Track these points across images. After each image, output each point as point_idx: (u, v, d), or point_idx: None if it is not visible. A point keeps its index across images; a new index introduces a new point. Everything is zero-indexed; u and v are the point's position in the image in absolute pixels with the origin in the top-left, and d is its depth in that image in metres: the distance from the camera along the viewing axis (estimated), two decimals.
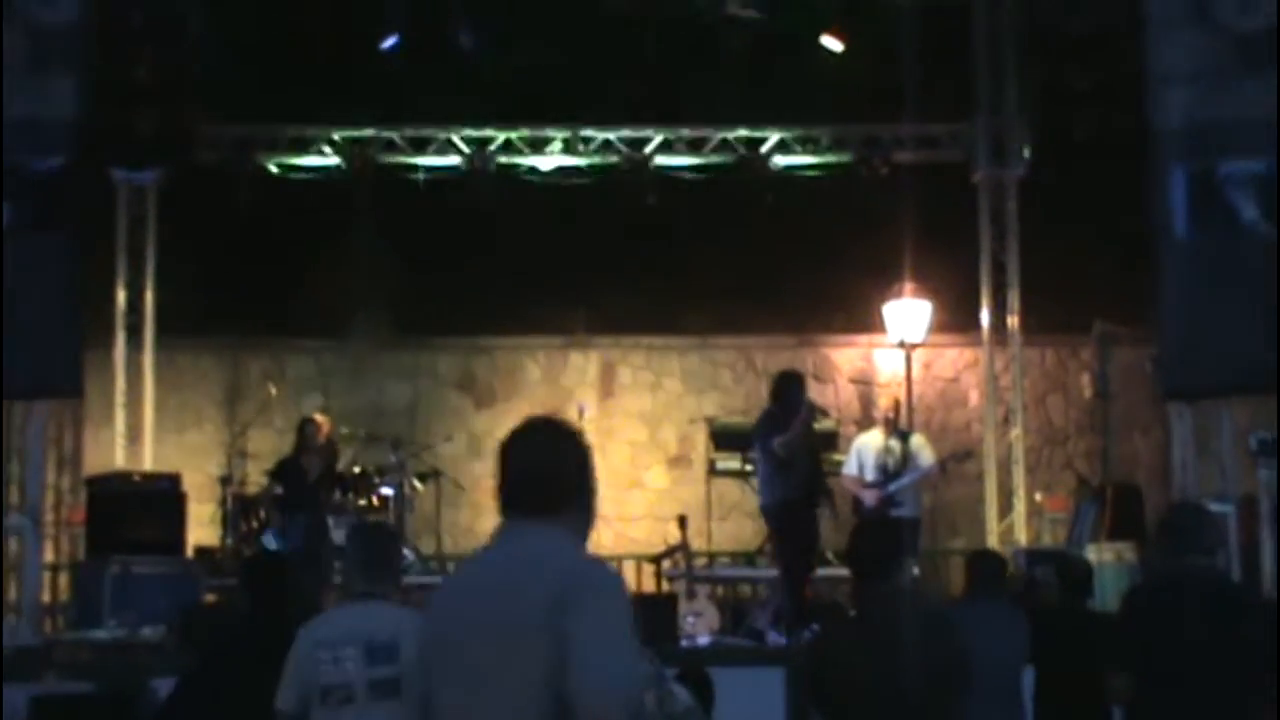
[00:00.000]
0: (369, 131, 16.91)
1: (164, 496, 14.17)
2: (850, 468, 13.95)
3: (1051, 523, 16.48)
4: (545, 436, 4.29)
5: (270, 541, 13.87)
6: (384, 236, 17.19)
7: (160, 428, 16.84)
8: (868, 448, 13.87)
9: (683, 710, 5.80)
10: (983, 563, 8.76)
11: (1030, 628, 8.42)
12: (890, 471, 13.68)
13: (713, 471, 15.35)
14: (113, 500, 13.95)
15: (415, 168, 16.97)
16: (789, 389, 12.89)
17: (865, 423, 16.35)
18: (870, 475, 13.69)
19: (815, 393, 16.69)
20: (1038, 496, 16.83)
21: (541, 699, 3.88)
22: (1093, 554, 13.71)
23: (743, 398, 17.41)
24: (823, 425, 15.18)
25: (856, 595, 6.59)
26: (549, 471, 4.20)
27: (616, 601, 4.03)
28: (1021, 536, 16.53)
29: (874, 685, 5.98)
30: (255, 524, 14.47)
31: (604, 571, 4.14)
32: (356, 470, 14.96)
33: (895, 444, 13.80)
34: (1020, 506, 16.79)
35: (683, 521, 14.48)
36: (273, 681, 6.55)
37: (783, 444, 12.44)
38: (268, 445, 16.08)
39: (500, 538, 4.22)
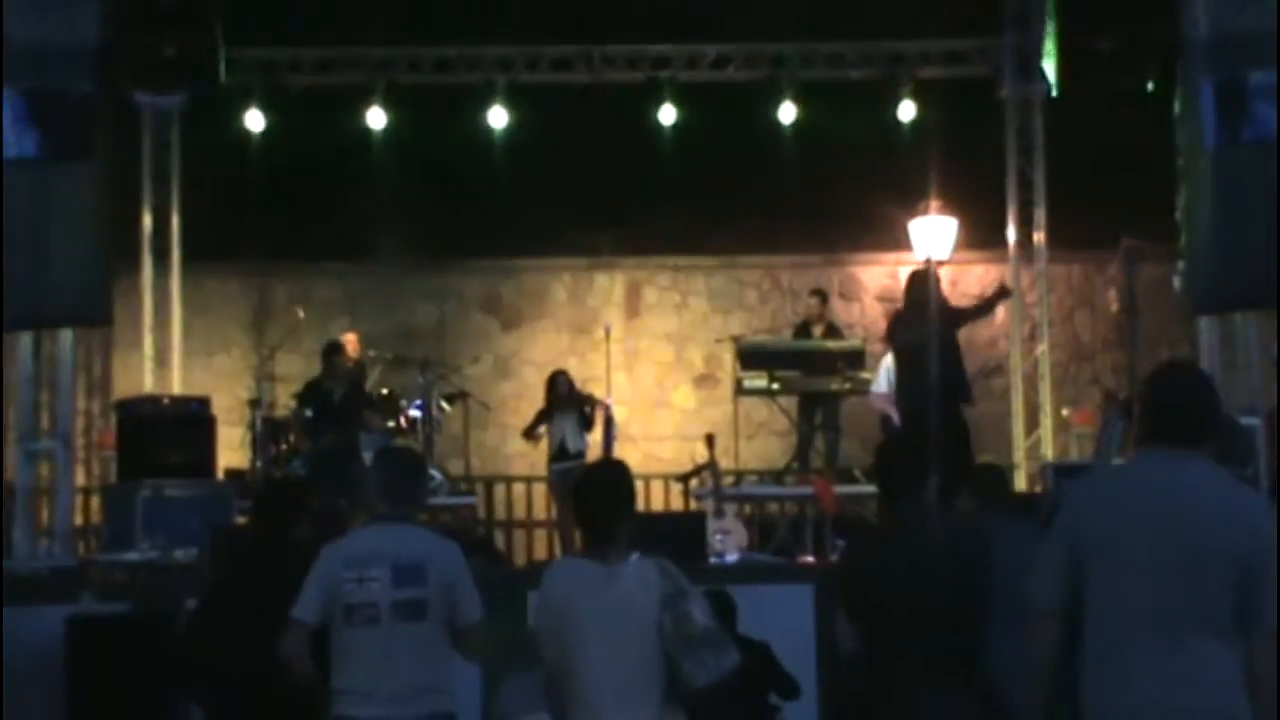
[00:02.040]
0: (391, 51, 16.84)
1: (193, 419, 14.20)
2: (880, 385, 13.94)
3: (1079, 438, 16.47)
4: (1194, 377, 5.26)
5: (299, 467, 13.94)
6: (408, 158, 17.18)
7: (188, 352, 16.93)
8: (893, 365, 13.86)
9: (700, 631, 5.82)
10: (985, 476, 8.74)
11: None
12: None
13: (740, 390, 15.35)
14: (142, 424, 13.98)
15: (434, 87, 16.91)
16: (916, 288, 12.74)
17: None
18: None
19: (841, 311, 16.72)
20: (1064, 412, 16.82)
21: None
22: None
23: (769, 316, 17.41)
24: (849, 343, 15.20)
25: (883, 511, 6.62)
26: (1200, 407, 5.06)
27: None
28: (1049, 451, 16.54)
29: (902, 597, 6.03)
30: (284, 447, 14.53)
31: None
32: (384, 392, 15.02)
33: None
34: (1047, 422, 16.80)
35: (710, 440, 14.50)
36: (274, 605, 6.55)
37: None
38: (296, 368, 16.14)
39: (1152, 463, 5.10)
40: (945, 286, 17.06)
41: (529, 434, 15.06)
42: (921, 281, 12.74)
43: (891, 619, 6.08)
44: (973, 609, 6.13)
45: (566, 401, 14.75)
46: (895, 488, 6.41)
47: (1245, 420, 11.50)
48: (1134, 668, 4.93)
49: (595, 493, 6.08)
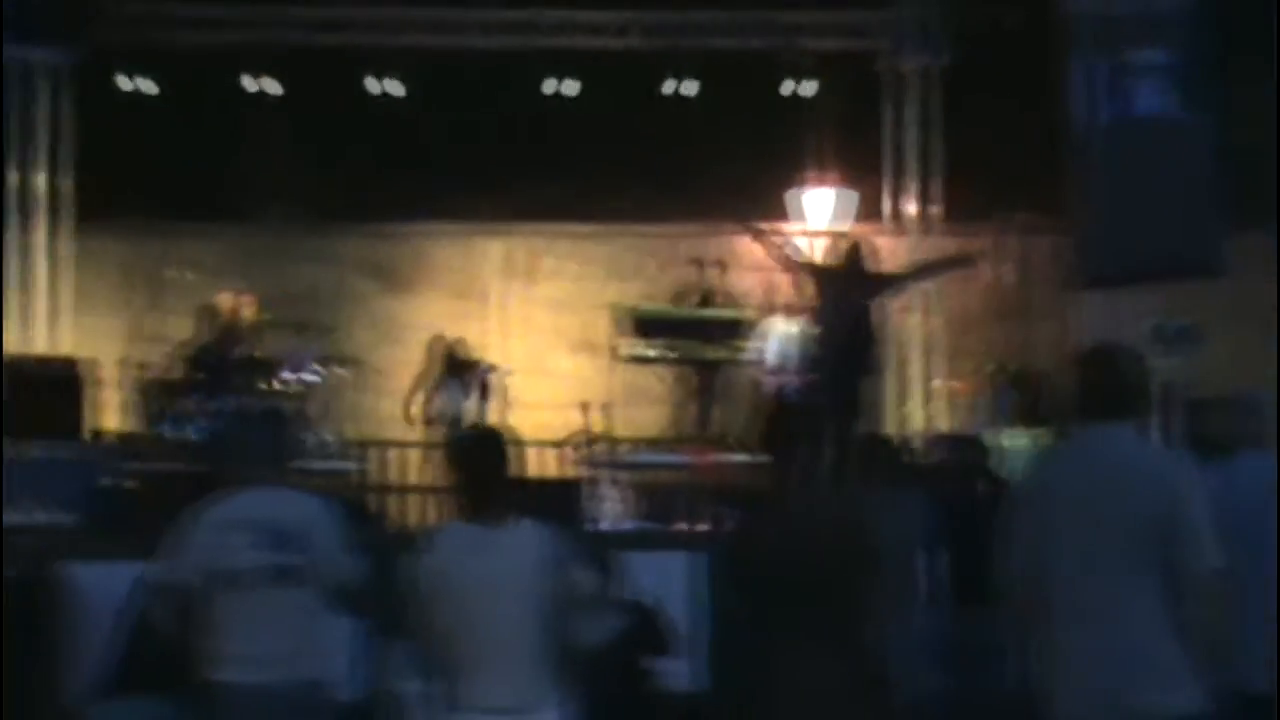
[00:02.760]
0: (279, 11, 16.67)
1: (59, 380, 13.99)
2: (754, 354, 14.05)
3: (964, 408, 16.60)
4: (1116, 355, 5.64)
5: (180, 428, 13.79)
6: (297, 121, 17.02)
7: (75, 312, 16.71)
8: (771, 334, 13.99)
9: (588, 594, 5.84)
10: (873, 448, 8.82)
11: (940, 511, 8.52)
12: (789, 358, 13.81)
13: (624, 358, 15.37)
14: (9, 387, 13.78)
15: (323, 49, 16.75)
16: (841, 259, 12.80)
17: (768, 310, 16.42)
18: (772, 361, 13.81)
19: (727, 280, 16.75)
20: (950, 382, 16.93)
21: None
22: (1006, 439, 13.85)
23: (656, 285, 17.40)
24: (732, 312, 15.23)
25: (771, 479, 6.65)
26: (1120, 383, 5.47)
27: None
28: (936, 422, 16.67)
29: (787, 567, 6.07)
30: (169, 410, 14.37)
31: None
32: (267, 356, 14.89)
33: (796, 331, 13.91)
34: (931, 392, 16.91)
35: (590, 408, 14.50)
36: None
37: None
38: (181, 330, 15.95)
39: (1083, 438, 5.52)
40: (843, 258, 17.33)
41: (411, 400, 15.05)
42: (849, 254, 12.85)
43: (775, 587, 6.11)
44: (858, 578, 6.19)
45: (458, 367, 14.74)
46: (783, 457, 6.44)
47: None
48: (1078, 644, 5.27)
49: (473, 456, 6.08)
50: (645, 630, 8.84)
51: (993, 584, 8.26)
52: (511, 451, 6.08)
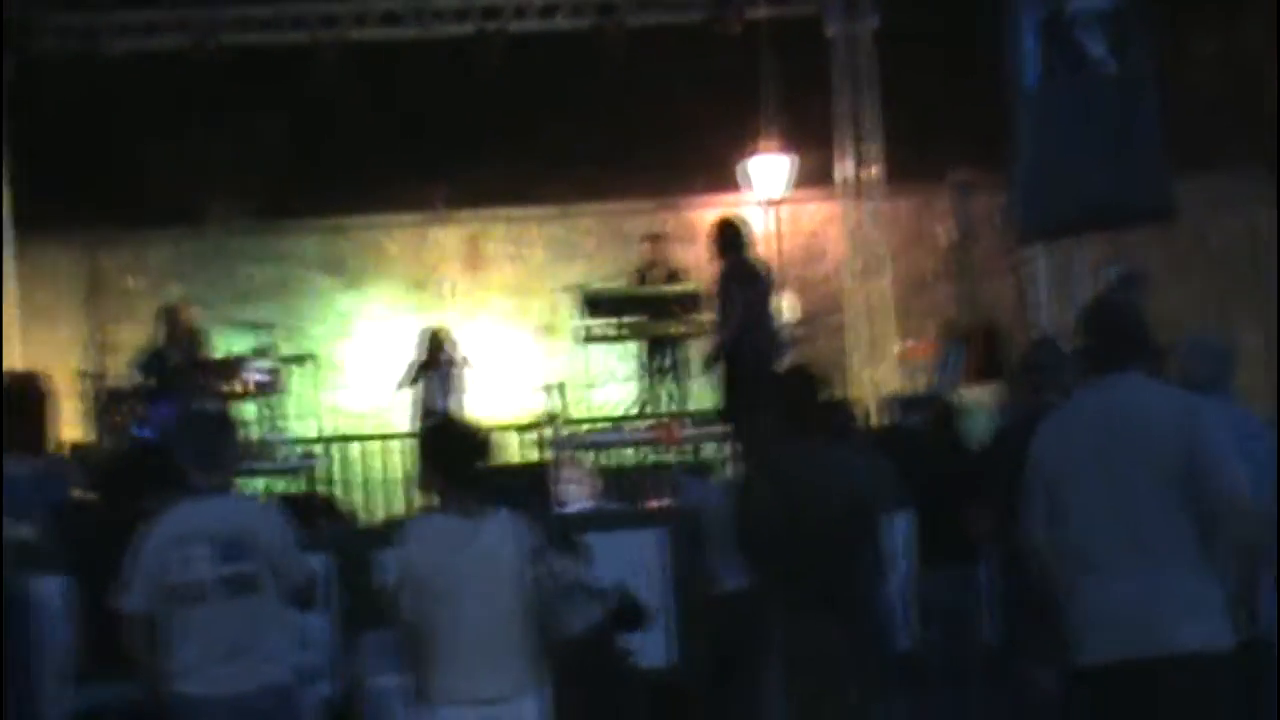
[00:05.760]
0: (216, 12, 16.58)
1: (17, 393, 13.89)
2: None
3: (918, 370, 16.66)
4: (1112, 308, 6.11)
5: (139, 434, 13.74)
6: (238, 120, 16.95)
7: (22, 326, 16.58)
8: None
9: (569, 583, 5.87)
10: (834, 414, 8.85)
11: (900, 473, 8.56)
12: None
13: (582, 338, 15.38)
14: None
15: (260, 48, 16.68)
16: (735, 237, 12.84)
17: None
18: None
19: (679, 254, 16.76)
20: (904, 344, 16.99)
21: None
22: (958, 397, 13.89)
23: (607, 264, 17.39)
24: (687, 286, 15.25)
25: (772, 449, 6.72)
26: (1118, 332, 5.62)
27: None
28: (891, 384, 16.72)
29: (790, 526, 6.14)
30: (121, 418, 14.30)
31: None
32: (224, 357, 14.84)
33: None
34: (888, 354, 16.98)
35: (553, 390, 14.51)
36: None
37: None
38: (132, 338, 15.89)
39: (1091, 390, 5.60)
40: (783, 225, 17.38)
41: (402, 386, 15.08)
42: (737, 231, 12.82)
43: (784, 555, 6.17)
44: (857, 539, 6.27)
45: (442, 360, 14.76)
46: (783, 427, 6.51)
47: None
48: (1107, 587, 5.32)
49: (452, 447, 6.07)
50: (622, 610, 8.87)
51: (957, 543, 8.37)
52: (486, 441, 6.10)
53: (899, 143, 17.12)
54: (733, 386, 12.40)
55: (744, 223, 13.11)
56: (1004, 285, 17.46)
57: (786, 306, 14.26)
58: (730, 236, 12.63)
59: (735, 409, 12.25)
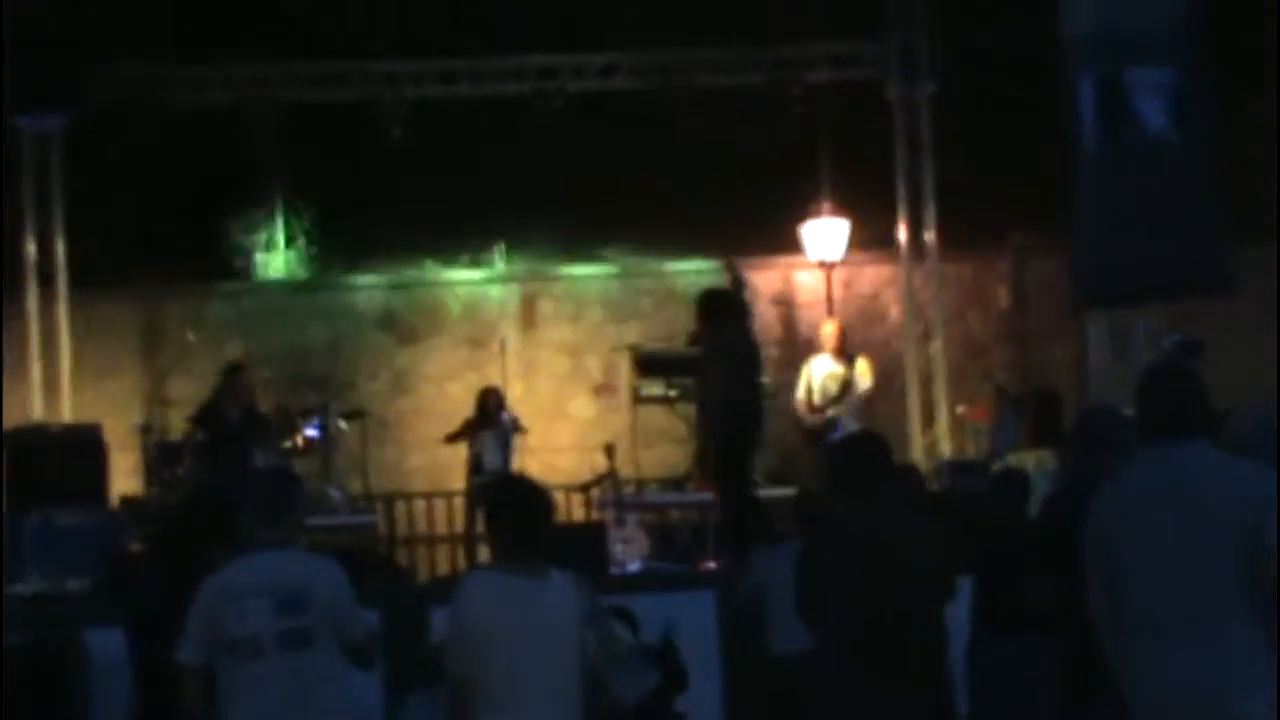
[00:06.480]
0: (273, 68, 16.68)
1: (83, 446, 14.03)
2: (800, 392, 14.23)
3: (974, 434, 16.56)
4: (1177, 375, 5.68)
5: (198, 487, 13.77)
6: (296, 176, 17.04)
7: (79, 379, 16.64)
8: (816, 373, 14.21)
9: (625, 649, 5.83)
10: (906, 478, 8.83)
11: (962, 540, 8.49)
12: (831, 397, 14.02)
13: (637, 399, 15.35)
14: (31, 452, 13.80)
15: (321, 105, 16.78)
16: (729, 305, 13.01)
17: (788, 345, 16.48)
18: (817, 400, 14.05)
19: None
20: (960, 409, 16.90)
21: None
22: (1013, 461, 13.81)
23: (664, 324, 17.37)
24: None
25: (842, 512, 6.68)
26: (1182, 400, 5.42)
27: None
28: (945, 449, 16.63)
29: (869, 599, 6.11)
30: (179, 472, 14.36)
31: None
32: (280, 412, 14.87)
33: (840, 369, 14.12)
34: (943, 419, 16.88)
35: (609, 450, 14.49)
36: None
37: None
38: (188, 392, 15.96)
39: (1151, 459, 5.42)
40: (838, 289, 17.32)
41: (451, 439, 15.05)
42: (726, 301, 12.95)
43: (856, 619, 6.13)
44: (936, 609, 6.23)
45: (493, 420, 14.75)
46: (855, 490, 6.48)
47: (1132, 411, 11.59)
48: (1166, 661, 5.19)
49: (515, 505, 6.04)
50: (671, 671, 8.82)
51: (1021, 612, 8.27)
52: (547, 500, 6.06)
53: (957, 206, 17.05)
54: (706, 457, 12.79)
55: (734, 292, 13.26)
56: (1061, 349, 17.38)
57: (859, 372, 14.37)
58: (719, 305, 12.81)
59: (713, 474, 12.64)
